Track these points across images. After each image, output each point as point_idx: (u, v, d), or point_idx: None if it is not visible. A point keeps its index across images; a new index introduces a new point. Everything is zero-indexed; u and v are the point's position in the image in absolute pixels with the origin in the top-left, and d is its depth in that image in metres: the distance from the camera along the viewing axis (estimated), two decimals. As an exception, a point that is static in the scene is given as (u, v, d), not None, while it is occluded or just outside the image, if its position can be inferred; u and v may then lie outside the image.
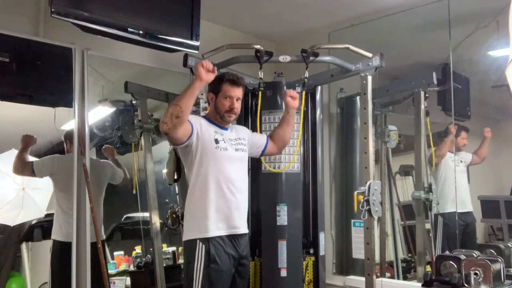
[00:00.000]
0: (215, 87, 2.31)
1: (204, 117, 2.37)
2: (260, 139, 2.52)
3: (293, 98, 2.48)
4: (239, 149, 2.34)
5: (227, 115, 2.29)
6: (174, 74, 3.07)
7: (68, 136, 2.78)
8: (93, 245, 2.65)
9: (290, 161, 2.79)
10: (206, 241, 2.17)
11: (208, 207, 2.20)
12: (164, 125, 2.04)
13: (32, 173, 2.74)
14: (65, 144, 2.81)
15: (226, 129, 2.36)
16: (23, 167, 2.72)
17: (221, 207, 2.22)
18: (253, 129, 2.82)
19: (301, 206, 2.86)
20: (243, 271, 2.35)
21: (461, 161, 3.22)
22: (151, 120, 3.22)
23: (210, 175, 2.22)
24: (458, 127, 3.17)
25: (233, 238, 2.26)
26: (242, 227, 2.32)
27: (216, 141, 2.24)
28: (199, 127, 2.22)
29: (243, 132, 2.49)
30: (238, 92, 2.30)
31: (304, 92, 2.74)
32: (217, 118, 2.32)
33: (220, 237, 2.20)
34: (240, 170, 2.34)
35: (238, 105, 2.31)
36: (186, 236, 2.25)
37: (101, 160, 3.08)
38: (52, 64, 2.59)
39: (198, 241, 2.17)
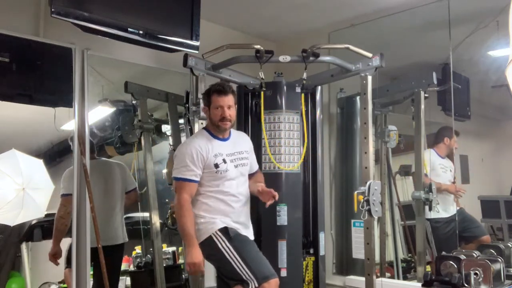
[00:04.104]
0: (206, 101, 2.35)
1: (205, 129, 2.40)
2: (253, 164, 2.53)
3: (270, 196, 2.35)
4: (238, 165, 2.36)
5: (222, 124, 2.30)
6: (174, 74, 3.07)
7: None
8: (105, 248, 2.66)
9: (290, 161, 2.79)
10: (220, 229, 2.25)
11: (214, 215, 2.26)
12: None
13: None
14: None
15: (225, 139, 2.37)
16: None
17: (226, 210, 2.28)
18: (255, 131, 2.84)
19: (301, 206, 2.86)
20: None
21: (450, 170, 3.21)
22: (151, 120, 3.22)
23: (213, 193, 2.29)
24: (451, 130, 3.17)
25: None
26: (250, 237, 2.39)
27: (216, 166, 2.27)
28: (203, 158, 2.26)
29: (244, 143, 2.48)
30: (227, 100, 2.30)
31: (302, 94, 2.77)
32: (215, 129, 2.34)
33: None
34: (240, 185, 2.37)
35: (230, 112, 2.30)
36: (201, 238, 2.28)
37: (116, 162, 3.10)
38: (52, 64, 2.59)
39: (212, 234, 2.23)
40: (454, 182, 3.19)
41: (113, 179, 3.04)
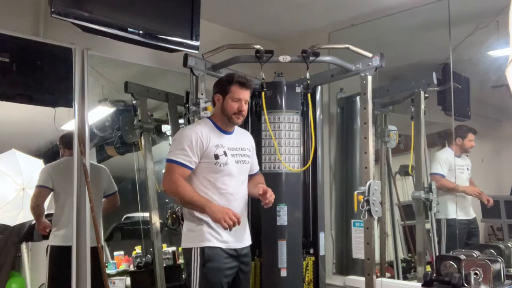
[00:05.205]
0: (223, 89, 2.25)
1: (210, 119, 2.32)
2: (254, 165, 2.46)
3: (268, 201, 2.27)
4: (239, 161, 2.28)
5: (235, 117, 2.23)
6: (174, 74, 3.07)
7: (63, 140, 2.80)
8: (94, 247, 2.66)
9: (290, 161, 2.79)
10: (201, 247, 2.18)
11: (206, 220, 2.18)
12: (164, 188, 2.19)
13: (51, 191, 2.77)
14: (60, 148, 2.82)
15: (230, 133, 2.30)
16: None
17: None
18: (255, 130, 2.83)
19: (301, 206, 2.86)
20: (246, 269, 2.34)
21: (467, 169, 3.19)
22: (151, 120, 3.22)
23: (209, 189, 2.20)
24: (466, 129, 3.15)
25: (232, 249, 2.25)
26: (245, 241, 2.32)
27: (216, 157, 2.19)
28: (202, 146, 2.17)
29: (247, 140, 2.41)
30: (246, 95, 2.24)
31: (309, 95, 2.77)
32: (224, 121, 2.26)
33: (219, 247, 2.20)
34: (239, 184, 2.29)
35: (246, 108, 2.25)
36: (184, 244, 2.25)
37: (97, 164, 3.08)
38: (52, 64, 2.59)
39: (194, 248, 2.18)
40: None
41: (94, 182, 3.02)
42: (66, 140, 2.78)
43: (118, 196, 3.11)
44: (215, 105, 2.31)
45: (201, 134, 2.18)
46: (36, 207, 2.75)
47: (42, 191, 2.75)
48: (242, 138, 2.38)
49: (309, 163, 2.79)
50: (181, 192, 2.11)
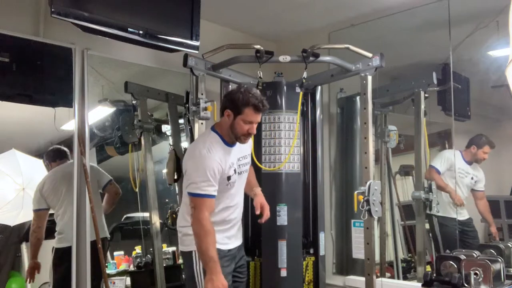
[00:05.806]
0: (236, 107, 2.13)
1: (217, 133, 2.22)
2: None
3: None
4: (242, 171, 2.29)
5: (243, 138, 2.18)
6: (174, 74, 3.07)
7: (48, 155, 2.82)
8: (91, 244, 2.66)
9: (289, 160, 2.79)
10: None
11: None
12: (192, 226, 2.12)
13: (48, 209, 2.77)
14: (46, 162, 2.84)
15: (233, 145, 2.25)
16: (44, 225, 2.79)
17: (221, 228, 2.22)
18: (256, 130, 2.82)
19: (301, 206, 2.86)
20: (242, 271, 2.39)
21: (472, 178, 3.17)
22: (151, 120, 3.22)
23: (216, 206, 2.17)
24: (485, 140, 3.12)
25: (227, 250, 2.28)
26: (239, 240, 2.38)
27: (229, 178, 2.17)
28: (222, 172, 2.14)
29: (246, 145, 2.36)
30: (259, 118, 2.18)
31: (301, 93, 2.78)
32: (231, 137, 2.19)
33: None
34: (240, 193, 2.33)
35: (255, 128, 2.19)
36: (183, 247, 2.25)
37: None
38: (52, 64, 2.59)
39: (194, 250, 2.16)
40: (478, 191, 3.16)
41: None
42: (51, 154, 2.81)
43: (115, 184, 3.05)
44: (222, 115, 2.22)
45: (220, 161, 2.13)
46: (38, 229, 2.74)
47: (39, 214, 2.75)
48: (243, 146, 2.33)
49: (284, 162, 2.78)
50: (203, 245, 2.05)
